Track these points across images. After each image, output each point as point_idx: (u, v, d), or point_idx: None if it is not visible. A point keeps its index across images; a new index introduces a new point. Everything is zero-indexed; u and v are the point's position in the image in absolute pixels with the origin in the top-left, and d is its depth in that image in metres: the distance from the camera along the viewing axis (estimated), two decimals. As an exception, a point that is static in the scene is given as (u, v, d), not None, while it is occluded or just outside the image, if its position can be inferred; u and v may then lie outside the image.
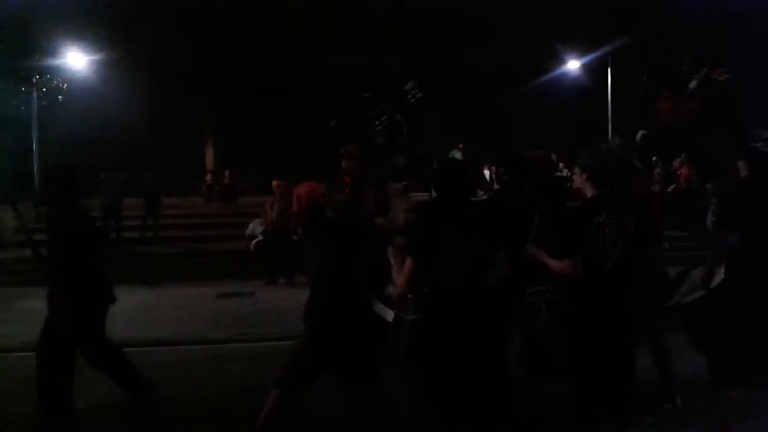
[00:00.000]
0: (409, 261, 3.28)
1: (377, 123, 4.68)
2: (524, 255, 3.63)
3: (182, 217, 15.40)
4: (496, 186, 15.44)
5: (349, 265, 3.98)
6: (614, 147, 3.51)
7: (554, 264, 3.45)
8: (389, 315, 4.15)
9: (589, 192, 3.43)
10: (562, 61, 19.48)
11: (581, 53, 19.04)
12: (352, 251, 4.00)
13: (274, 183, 11.29)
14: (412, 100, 4.94)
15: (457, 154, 16.77)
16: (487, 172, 16.98)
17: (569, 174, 17.95)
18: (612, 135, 18.32)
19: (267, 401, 3.87)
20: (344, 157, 4.44)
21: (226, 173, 18.35)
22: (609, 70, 18.92)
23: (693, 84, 18.10)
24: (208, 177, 18.40)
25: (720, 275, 4.14)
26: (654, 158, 16.38)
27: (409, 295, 4.00)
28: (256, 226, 11.58)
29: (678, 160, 15.39)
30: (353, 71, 15.05)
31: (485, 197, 10.23)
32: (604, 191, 3.39)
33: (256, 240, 11.36)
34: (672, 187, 14.95)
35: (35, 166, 15.70)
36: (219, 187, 17.92)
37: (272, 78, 18.10)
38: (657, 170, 15.98)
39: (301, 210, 3.75)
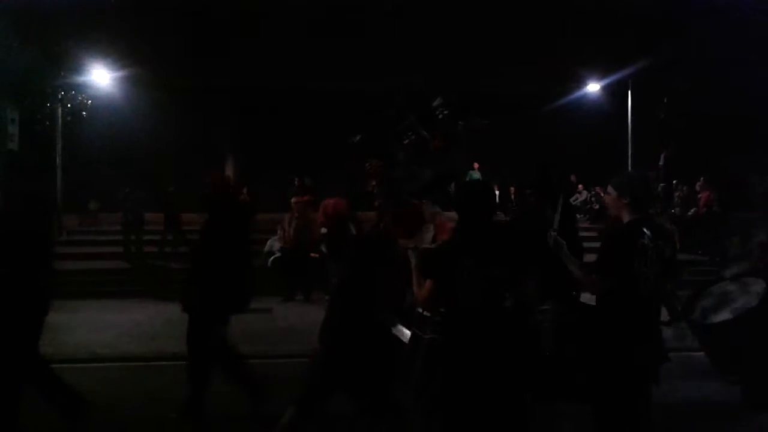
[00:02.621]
0: (428, 282, 3.27)
1: (404, 138, 4.63)
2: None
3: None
4: (513, 206, 15.35)
5: (367, 283, 3.95)
6: (645, 174, 3.54)
7: (579, 275, 3.44)
8: (407, 335, 4.11)
9: (626, 216, 3.44)
10: (582, 84, 19.48)
11: (602, 76, 19.02)
12: (372, 269, 3.99)
13: (292, 200, 11.35)
14: (440, 116, 4.90)
15: (476, 174, 16.67)
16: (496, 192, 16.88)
17: (589, 196, 17.97)
18: (632, 157, 18.28)
19: (282, 417, 3.85)
20: (368, 172, 4.42)
21: (245, 190, 18.43)
22: (629, 93, 18.87)
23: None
24: (228, 193, 18.46)
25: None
26: (675, 181, 16.27)
27: (428, 314, 3.98)
28: (274, 243, 11.60)
29: (698, 183, 15.23)
30: (376, 91, 15.15)
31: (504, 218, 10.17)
32: (643, 215, 3.40)
33: (273, 257, 11.37)
34: (692, 210, 14.79)
35: (59, 181, 15.91)
36: (238, 203, 17.99)
37: (293, 95, 18.27)
38: (677, 193, 15.85)
39: (326, 221, 3.74)
